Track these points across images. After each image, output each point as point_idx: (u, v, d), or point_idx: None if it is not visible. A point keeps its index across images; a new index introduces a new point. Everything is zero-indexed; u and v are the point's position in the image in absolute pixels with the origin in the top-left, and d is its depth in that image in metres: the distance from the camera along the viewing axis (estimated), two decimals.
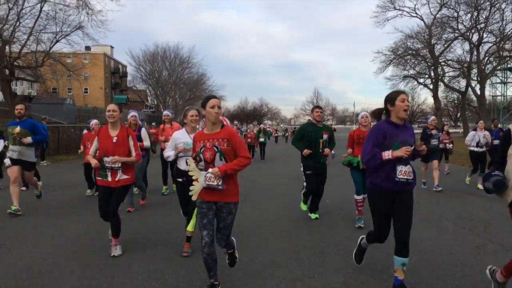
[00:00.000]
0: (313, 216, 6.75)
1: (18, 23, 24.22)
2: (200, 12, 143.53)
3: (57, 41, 26.71)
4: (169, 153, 5.06)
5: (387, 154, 3.57)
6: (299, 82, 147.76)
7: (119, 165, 4.79)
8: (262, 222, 6.70)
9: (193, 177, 3.52)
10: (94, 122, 8.96)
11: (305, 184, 6.72)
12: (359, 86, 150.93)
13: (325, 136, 6.48)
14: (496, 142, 10.96)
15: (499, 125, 12.81)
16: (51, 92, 48.69)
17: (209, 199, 3.57)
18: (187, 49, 79.96)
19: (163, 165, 9.30)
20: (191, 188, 3.53)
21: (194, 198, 3.55)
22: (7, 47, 24.39)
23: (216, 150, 3.52)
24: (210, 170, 3.45)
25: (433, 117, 10.62)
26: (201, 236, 3.51)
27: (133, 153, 4.95)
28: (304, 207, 6.94)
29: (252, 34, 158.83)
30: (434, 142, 9.79)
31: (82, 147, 9.23)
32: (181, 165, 5.01)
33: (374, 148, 3.65)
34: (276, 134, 42.84)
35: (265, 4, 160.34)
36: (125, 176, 4.89)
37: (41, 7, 24.76)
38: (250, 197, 8.68)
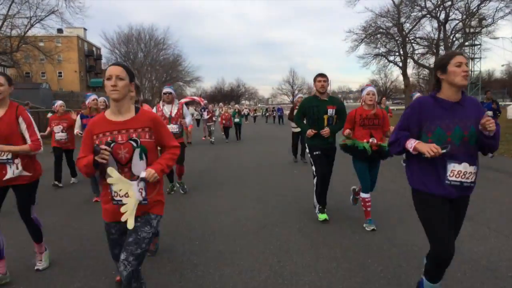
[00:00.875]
0: (321, 216, 5.32)
1: None
2: None
3: (32, 26, 26.83)
4: None
5: (410, 144, 2.70)
6: (275, 61, 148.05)
7: (8, 156, 3.48)
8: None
9: (120, 192, 2.54)
10: (58, 103, 8.45)
11: (314, 169, 5.41)
12: (336, 64, 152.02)
13: (330, 111, 5.29)
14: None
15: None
16: (24, 77, 48.13)
17: (119, 219, 2.58)
18: (162, 30, 79.62)
19: None
20: (122, 209, 2.55)
21: (130, 225, 2.55)
22: None
23: (135, 145, 2.54)
24: (143, 174, 2.52)
25: (418, 93, 9.25)
26: (119, 269, 2.56)
27: (28, 140, 3.59)
28: (322, 216, 5.38)
29: (227, 13, 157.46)
30: None
31: (48, 129, 8.42)
32: None
33: (400, 131, 2.80)
34: (255, 114, 43.29)
35: None
36: (25, 173, 3.61)
37: None
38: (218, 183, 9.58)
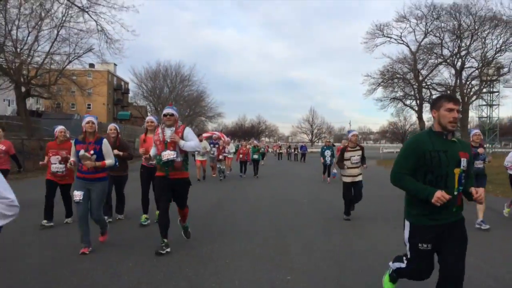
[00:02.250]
0: None
1: (37, 46, 26.77)
2: (201, 30, 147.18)
3: (70, 62, 29.30)
4: None
5: None
6: (297, 100, 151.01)
7: None
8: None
9: None
10: (58, 129, 7.24)
11: (408, 255, 3.33)
12: (356, 105, 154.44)
13: (464, 162, 3.07)
14: None
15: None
16: (55, 108, 51.14)
17: None
18: (188, 67, 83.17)
19: (143, 187, 7.26)
20: None
21: None
22: (24, 67, 26.85)
23: None
24: None
25: (476, 130, 7.69)
26: None
27: None
28: (389, 286, 3.75)
29: (252, 51, 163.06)
30: (479, 164, 7.32)
31: (46, 158, 7.21)
32: None
33: None
34: (280, 151, 45.65)
35: (264, 21, 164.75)
36: None
37: (58, 32, 27.34)
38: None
